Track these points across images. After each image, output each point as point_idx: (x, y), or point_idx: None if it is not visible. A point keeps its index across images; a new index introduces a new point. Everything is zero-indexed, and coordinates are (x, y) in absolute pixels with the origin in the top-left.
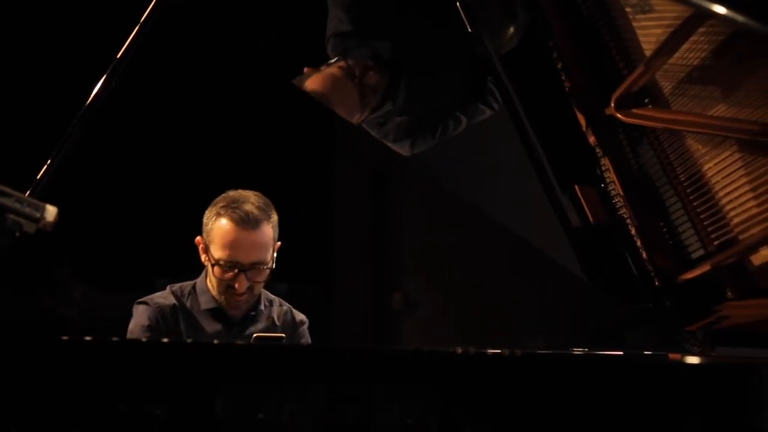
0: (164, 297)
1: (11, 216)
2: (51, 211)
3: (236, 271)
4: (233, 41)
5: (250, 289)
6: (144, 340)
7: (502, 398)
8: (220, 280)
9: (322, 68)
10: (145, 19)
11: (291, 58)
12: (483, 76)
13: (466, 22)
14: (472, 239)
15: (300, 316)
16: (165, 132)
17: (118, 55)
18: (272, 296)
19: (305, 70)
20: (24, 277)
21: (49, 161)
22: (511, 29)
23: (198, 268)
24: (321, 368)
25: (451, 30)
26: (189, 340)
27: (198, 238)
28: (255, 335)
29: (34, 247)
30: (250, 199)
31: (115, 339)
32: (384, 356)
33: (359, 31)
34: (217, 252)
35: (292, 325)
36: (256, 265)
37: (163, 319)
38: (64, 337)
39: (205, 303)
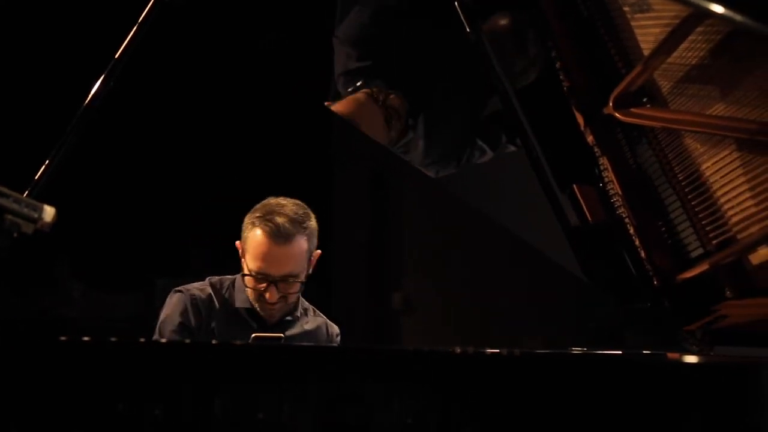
0: (201, 288)
1: (9, 216)
2: (49, 212)
3: (267, 283)
4: (232, 41)
5: (283, 298)
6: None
7: (502, 398)
8: (252, 290)
9: (345, 97)
10: (143, 19)
11: (290, 59)
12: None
13: (464, 22)
14: (472, 239)
15: (334, 329)
16: (164, 132)
17: (117, 55)
18: (308, 305)
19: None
20: (23, 278)
21: (47, 161)
22: (526, 63)
23: (198, 269)
24: (320, 368)
25: (459, 52)
26: (187, 341)
27: (238, 242)
28: (254, 335)
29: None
30: (286, 210)
31: (113, 339)
32: (384, 356)
33: (370, 67)
34: (250, 262)
35: (327, 338)
36: (287, 278)
37: (195, 310)
38: (63, 338)
39: (241, 301)
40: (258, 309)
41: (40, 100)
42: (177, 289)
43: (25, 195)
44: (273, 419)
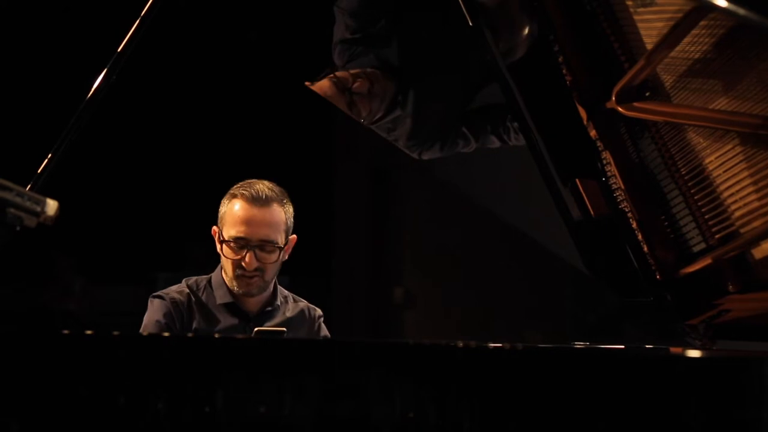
0: (179, 291)
1: (12, 210)
2: (52, 205)
3: (245, 250)
4: (234, 37)
5: (261, 271)
6: (145, 334)
7: (503, 392)
8: (231, 261)
9: (316, 81)
10: (145, 13)
11: (292, 56)
12: (498, 105)
13: (467, 16)
14: (473, 233)
15: (316, 312)
16: (166, 127)
17: (119, 50)
18: (287, 292)
19: (306, 83)
20: (25, 271)
21: (49, 155)
22: (523, 34)
23: (197, 261)
24: (322, 362)
25: (456, 36)
26: (189, 334)
27: (214, 227)
28: (256, 329)
29: (35, 241)
30: (264, 183)
31: (115, 333)
32: (385, 350)
33: (365, 38)
34: (227, 231)
35: (310, 322)
36: (265, 244)
37: (177, 313)
38: (65, 331)
39: (220, 297)
40: (236, 287)
41: (42, 94)
42: (155, 294)
43: (28, 188)
44: (274, 413)
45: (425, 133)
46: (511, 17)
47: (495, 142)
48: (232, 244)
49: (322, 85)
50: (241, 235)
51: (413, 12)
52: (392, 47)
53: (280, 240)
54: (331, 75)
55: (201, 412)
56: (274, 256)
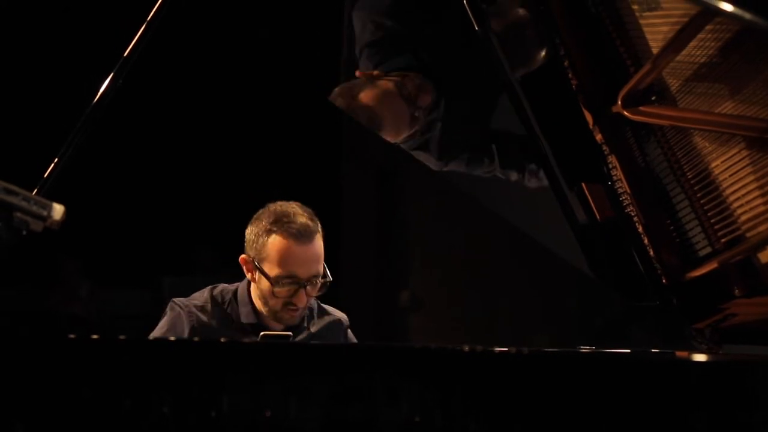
0: (201, 306)
1: (18, 214)
2: (58, 210)
3: (296, 287)
4: (241, 41)
5: (305, 306)
6: (151, 339)
7: (509, 396)
8: (279, 299)
9: (375, 80)
10: (152, 17)
11: (300, 59)
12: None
13: (472, 19)
14: (479, 237)
15: (342, 321)
16: (172, 131)
17: (125, 54)
18: (313, 302)
19: (357, 73)
20: (32, 276)
21: (56, 160)
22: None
23: (203, 265)
24: (328, 366)
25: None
26: (196, 339)
27: (243, 257)
28: (262, 333)
29: (41, 245)
30: (299, 211)
31: (122, 337)
32: (391, 354)
33: (394, 38)
34: (274, 269)
35: (335, 334)
36: (314, 279)
37: (191, 329)
38: (71, 335)
39: (245, 315)
40: (279, 318)
41: (48, 99)
42: (176, 302)
43: (34, 193)
44: (280, 417)
45: (453, 141)
46: (522, 34)
47: (513, 176)
48: (281, 284)
49: (387, 88)
50: (292, 274)
51: (444, 19)
52: (421, 48)
53: (324, 270)
54: (397, 78)
55: (207, 416)
56: (320, 287)
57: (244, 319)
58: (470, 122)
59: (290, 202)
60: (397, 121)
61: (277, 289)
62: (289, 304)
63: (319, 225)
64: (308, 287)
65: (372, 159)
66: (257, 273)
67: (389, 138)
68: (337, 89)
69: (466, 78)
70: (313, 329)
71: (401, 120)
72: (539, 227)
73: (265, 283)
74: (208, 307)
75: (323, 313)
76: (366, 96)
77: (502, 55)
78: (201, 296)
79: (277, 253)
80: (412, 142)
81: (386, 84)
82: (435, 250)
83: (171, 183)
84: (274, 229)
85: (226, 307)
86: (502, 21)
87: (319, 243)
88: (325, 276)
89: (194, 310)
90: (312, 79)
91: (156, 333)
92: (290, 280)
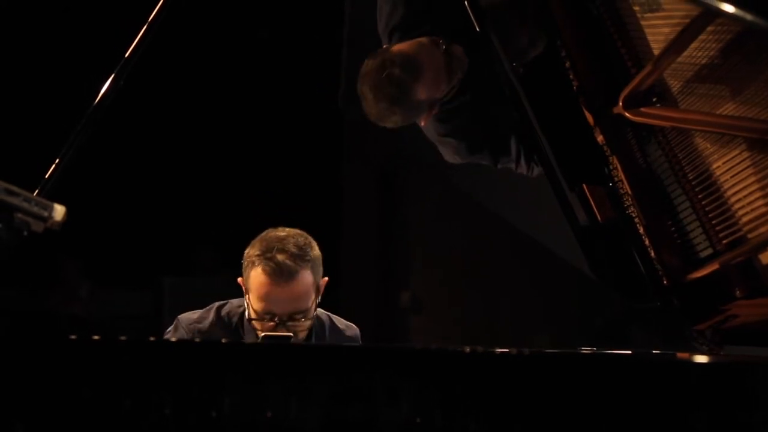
0: (208, 327)
1: (19, 215)
2: (59, 211)
3: (275, 322)
4: (241, 42)
5: (294, 335)
6: (151, 339)
7: (510, 397)
8: (260, 331)
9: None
10: (153, 18)
11: (302, 61)
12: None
13: (474, 21)
14: (480, 239)
15: (354, 335)
16: (173, 132)
17: (127, 55)
18: (324, 316)
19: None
20: (33, 276)
21: (57, 161)
22: (528, 41)
23: (203, 266)
24: (328, 367)
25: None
26: (196, 340)
27: (239, 279)
28: (263, 334)
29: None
30: (286, 245)
31: (123, 338)
32: (391, 354)
33: (427, 23)
34: (254, 302)
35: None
36: (295, 316)
37: None
38: (72, 336)
39: (251, 338)
40: None
41: (50, 99)
42: (181, 323)
43: (35, 194)
44: (281, 417)
45: (479, 130)
46: (512, 26)
47: (511, 164)
48: (261, 317)
49: (420, 41)
50: (268, 311)
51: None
52: (450, 34)
53: (311, 304)
54: (429, 37)
55: (207, 417)
56: (306, 324)
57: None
58: (496, 115)
59: (287, 230)
60: (435, 70)
61: (257, 324)
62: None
63: (312, 257)
64: (290, 323)
65: (373, 160)
66: (248, 297)
67: (433, 92)
68: (366, 61)
69: (488, 69)
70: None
71: (438, 65)
72: (540, 228)
73: (252, 313)
74: (215, 330)
75: (335, 331)
76: (401, 46)
77: (503, 56)
78: (207, 316)
79: (256, 288)
80: (441, 125)
81: (421, 39)
82: (435, 251)
83: (171, 184)
84: (257, 262)
85: (233, 328)
86: (501, 20)
87: (302, 281)
88: (307, 315)
89: (196, 336)
90: (313, 80)
91: None
92: (268, 316)
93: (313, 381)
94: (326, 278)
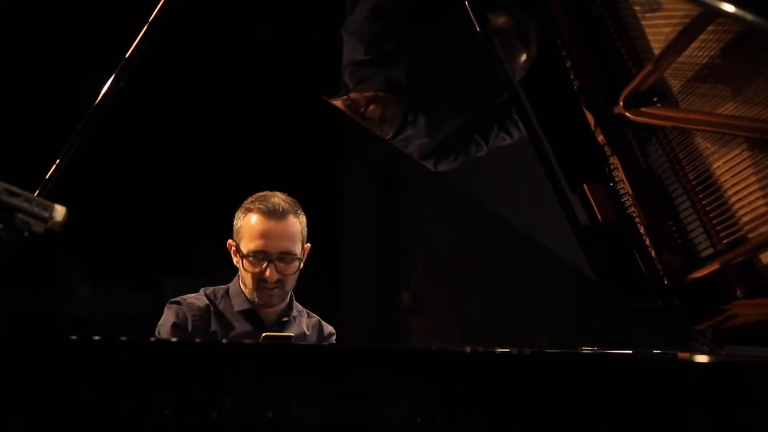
0: (197, 298)
1: (20, 215)
2: (60, 211)
3: (266, 262)
4: (241, 42)
5: (281, 282)
6: (151, 339)
7: (511, 397)
8: (251, 274)
9: (334, 99)
10: (153, 18)
11: (300, 60)
12: (501, 103)
13: (474, 21)
14: (481, 238)
15: (329, 329)
16: (173, 132)
17: (127, 55)
18: (301, 307)
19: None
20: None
21: (57, 161)
22: (527, 51)
23: (204, 266)
24: (329, 367)
25: (463, 46)
26: (197, 340)
27: (229, 241)
28: (264, 334)
29: (43, 246)
30: (278, 195)
31: (123, 338)
32: (391, 355)
33: (374, 59)
34: (246, 245)
35: (319, 338)
36: (285, 256)
37: (193, 319)
38: (73, 337)
39: (238, 305)
40: (257, 300)
41: (50, 99)
42: (173, 300)
43: (36, 194)
44: (281, 417)
45: (438, 147)
46: (521, 36)
47: (506, 140)
48: (251, 258)
49: (339, 104)
50: (261, 248)
51: (419, 27)
52: (401, 67)
53: (299, 250)
54: (346, 97)
55: (208, 417)
56: (293, 267)
57: (237, 308)
58: (451, 127)
59: (276, 191)
60: (371, 125)
61: (247, 264)
62: (261, 281)
63: (300, 213)
64: (278, 263)
65: (373, 161)
66: (238, 254)
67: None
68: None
69: (444, 86)
70: (303, 325)
71: (372, 124)
72: (540, 228)
73: (241, 261)
74: (204, 300)
75: (312, 317)
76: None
77: (504, 56)
78: (194, 295)
79: (249, 229)
80: (404, 150)
81: (338, 102)
82: (436, 252)
83: (172, 184)
84: (250, 207)
85: (219, 303)
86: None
87: (292, 223)
88: (295, 256)
89: (192, 301)
90: (312, 81)
91: (161, 327)
92: (260, 255)
93: (313, 381)
94: (309, 245)
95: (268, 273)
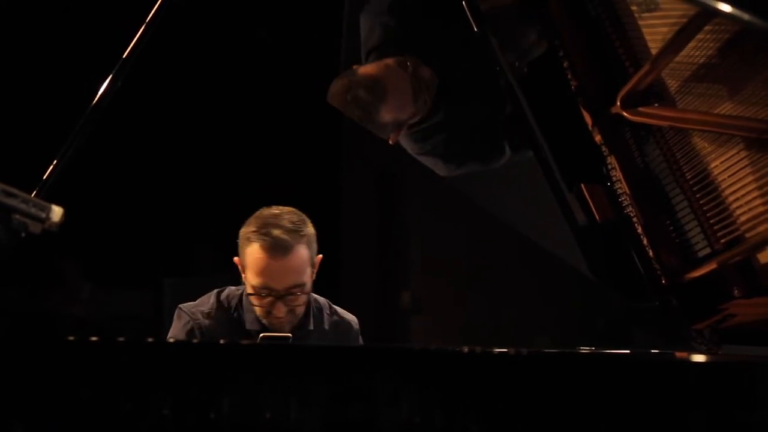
0: (209, 309)
1: (17, 216)
2: (57, 212)
3: (272, 298)
4: (240, 41)
5: (291, 312)
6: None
7: (509, 397)
8: (258, 307)
9: (371, 63)
10: (150, 18)
11: (300, 61)
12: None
13: (472, 21)
14: (480, 238)
15: (352, 325)
16: (172, 132)
17: (124, 55)
18: (322, 302)
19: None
20: (32, 277)
21: (55, 161)
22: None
23: (204, 266)
24: (328, 367)
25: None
26: (195, 341)
27: (235, 258)
28: (262, 335)
29: (41, 247)
30: (281, 222)
31: (121, 339)
32: (391, 355)
33: (403, 44)
34: (251, 279)
35: (346, 335)
36: (292, 290)
37: (194, 333)
38: (71, 337)
39: (250, 322)
40: (267, 324)
41: (47, 100)
42: (183, 309)
43: (33, 195)
44: (280, 418)
45: (461, 147)
46: (515, 26)
47: (529, 153)
48: (259, 293)
49: (386, 63)
50: (266, 286)
51: (451, 26)
52: (431, 54)
53: (307, 279)
54: (392, 58)
55: (206, 418)
56: (302, 299)
57: (248, 326)
58: (477, 126)
59: (281, 209)
60: (398, 92)
61: (255, 300)
62: (270, 313)
63: (306, 233)
64: (287, 298)
65: (372, 161)
66: (245, 275)
67: (399, 115)
68: (334, 81)
69: (473, 81)
70: (326, 327)
71: (403, 90)
72: (540, 229)
73: (249, 289)
74: (214, 313)
75: (333, 314)
76: (367, 68)
77: (501, 56)
78: (207, 301)
79: (253, 262)
80: (419, 145)
81: (387, 60)
82: (435, 252)
83: (171, 184)
84: (253, 238)
85: (232, 312)
86: (504, 19)
87: (297, 254)
88: (303, 289)
89: (200, 317)
90: (311, 81)
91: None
92: (266, 291)
93: (312, 382)
94: (320, 255)
95: (275, 310)
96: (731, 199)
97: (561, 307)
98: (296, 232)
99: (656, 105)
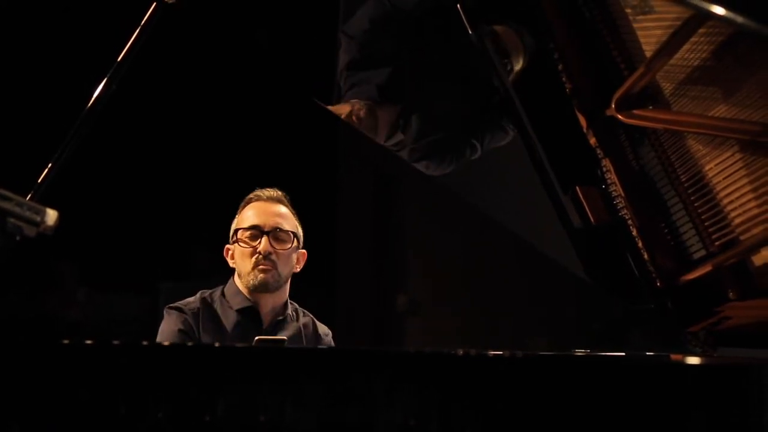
0: (194, 302)
1: (12, 220)
2: (51, 215)
3: (259, 238)
4: (237, 44)
5: (274, 263)
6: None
7: (504, 400)
8: (245, 253)
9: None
10: (145, 21)
11: (296, 62)
12: (494, 103)
13: (466, 24)
14: (475, 241)
15: (323, 328)
16: (167, 135)
17: (119, 59)
18: (296, 305)
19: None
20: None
21: (50, 165)
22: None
23: (200, 270)
24: (323, 370)
25: (457, 49)
26: (189, 343)
27: (227, 246)
28: (257, 338)
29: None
30: (271, 189)
31: (116, 342)
32: (386, 358)
33: (368, 63)
34: (243, 224)
35: (314, 337)
36: (278, 232)
37: (195, 323)
38: (66, 341)
39: (237, 303)
40: (251, 280)
41: (42, 103)
42: (172, 306)
43: (27, 198)
44: (275, 421)
45: (431, 151)
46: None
47: (501, 141)
48: (246, 234)
49: (338, 108)
50: (255, 223)
51: (416, 34)
52: (393, 72)
53: (291, 229)
54: (338, 102)
55: (202, 421)
56: (287, 245)
57: (236, 306)
58: (444, 131)
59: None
60: (364, 128)
61: (242, 242)
62: (255, 258)
63: (295, 214)
64: (272, 238)
65: (368, 163)
66: (233, 249)
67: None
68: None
69: (438, 92)
70: (299, 323)
71: (366, 130)
72: (537, 231)
73: (236, 249)
74: (198, 304)
75: (307, 315)
76: (334, 108)
77: (497, 59)
78: (192, 299)
79: (244, 213)
80: (398, 153)
81: (340, 109)
82: (432, 254)
83: (167, 187)
84: (246, 201)
85: (214, 304)
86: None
87: (286, 209)
88: (287, 234)
89: (192, 306)
90: (308, 83)
91: (163, 335)
92: (254, 229)
93: (307, 384)
94: (305, 251)
95: (262, 245)
96: (726, 201)
97: (557, 309)
98: (284, 197)
99: (651, 107)
